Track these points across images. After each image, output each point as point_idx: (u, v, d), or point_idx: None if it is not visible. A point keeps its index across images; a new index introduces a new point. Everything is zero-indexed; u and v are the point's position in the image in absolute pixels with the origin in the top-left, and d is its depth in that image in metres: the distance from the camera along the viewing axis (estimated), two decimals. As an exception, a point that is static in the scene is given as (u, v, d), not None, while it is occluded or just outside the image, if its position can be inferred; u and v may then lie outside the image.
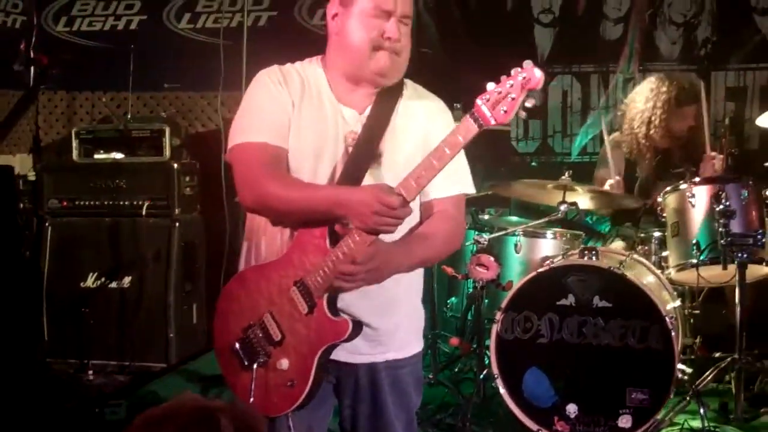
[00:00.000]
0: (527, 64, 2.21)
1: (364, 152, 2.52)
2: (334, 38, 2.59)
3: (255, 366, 2.49)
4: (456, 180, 2.62)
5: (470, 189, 2.68)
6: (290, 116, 2.53)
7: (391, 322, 2.60)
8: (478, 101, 2.23)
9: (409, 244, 2.53)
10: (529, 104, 2.22)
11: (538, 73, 2.19)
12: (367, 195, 2.33)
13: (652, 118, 4.89)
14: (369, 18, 2.49)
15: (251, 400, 2.47)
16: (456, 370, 4.97)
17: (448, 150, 2.29)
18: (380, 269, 2.40)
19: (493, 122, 2.23)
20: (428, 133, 2.56)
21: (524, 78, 2.19)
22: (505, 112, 2.21)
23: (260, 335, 2.49)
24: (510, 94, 2.20)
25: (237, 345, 2.53)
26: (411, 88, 2.66)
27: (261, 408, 2.47)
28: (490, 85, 2.23)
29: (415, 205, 2.52)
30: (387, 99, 2.58)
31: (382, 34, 2.48)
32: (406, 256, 2.50)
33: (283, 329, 2.47)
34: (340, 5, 2.55)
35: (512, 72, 2.21)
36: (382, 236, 2.39)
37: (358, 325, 2.45)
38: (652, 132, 4.89)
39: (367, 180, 2.50)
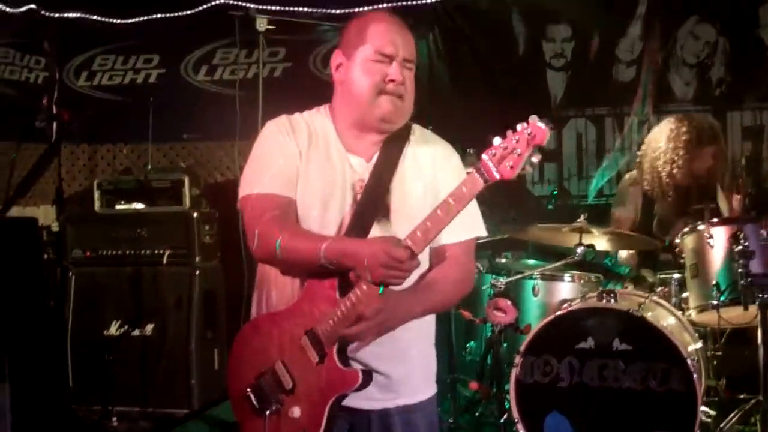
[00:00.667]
0: (533, 119, 2.21)
1: (373, 200, 2.55)
2: (339, 87, 2.63)
3: (267, 413, 2.50)
4: (466, 225, 2.62)
5: (481, 232, 2.70)
6: (298, 166, 2.56)
7: (403, 369, 2.61)
8: (484, 156, 2.24)
9: (419, 291, 2.55)
10: (535, 159, 2.22)
11: (543, 129, 2.19)
12: (375, 248, 2.34)
13: (675, 159, 4.89)
14: (371, 63, 2.53)
15: None
16: (476, 414, 4.94)
17: (454, 203, 2.30)
18: (387, 323, 2.41)
19: (498, 177, 2.23)
20: (436, 178, 2.59)
21: (530, 134, 2.19)
22: (511, 167, 2.21)
23: (272, 383, 2.51)
24: (516, 149, 2.20)
25: (249, 391, 2.55)
26: (418, 132, 2.68)
27: None
28: (496, 140, 2.23)
29: (424, 251, 2.51)
30: (394, 145, 2.61)
31: (385, 78, 2.52)
32: (415, 304, 2.51)
33: (295, 378, 2.48)
34: (344, 55, 2.60)
35: (518, 127, 2.21)
36: None
37: (368, 375, 2.45)
38: (675, 171, 4.89)
39: (375, 228, 2.52)
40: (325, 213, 2.55)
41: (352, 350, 2.46)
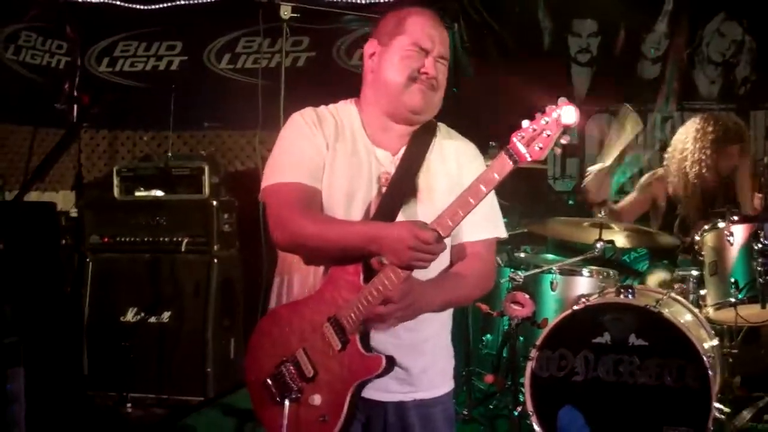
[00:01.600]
0: (562, 101, 2.21)
1: (398, 192, 2.55)
2: (370, 76, 2.63)
3: (287, 401, 2.50)
4: (488, 224, 2.64)
5: (502, 233, 2.69)
6: (324, 157, 2.56)
7: (421, 362, 2.60)
8: (514, 138, 2.23)
9: (441, 282, 2.54)
10: (564, 141, 2.22)
11: (573, 111, 2.19)
12: (402, 230, 2.33)
13: (703, 158, 4.87)
14: (408, 54, 2.55)
15: None
16: (491, 407, 4.94)
17: (484, 187, 2.29)
18: (413, 306, 2.40)
19: (528, 158, 2.23)
20: (462, 176, 2.58)
21: (559, 115, 2.19)
22: (540, 148, 2.21)
23: (293, 371, 2.51)
24: (545, 131, 2.20)
25: (269, 380, 2.55)
26: (444, 130, 2.69)
27: None
28: (525, 122, 2.23)
29: (447, 249, 2.55)
30: (421, 140, 2.62)
31: (419, 69, 2.53)
32: (438, 295, 2.51)
33: (316, 365, 2.47)
34: (379, 44, 2.61)
35: (547, 109, 2.21)
36: (414, 274, 2.40)
37: (391, 361, 2.44)
38: (704, 171, 4.87)
39: (400, 219, 2.51)
40: (350, 205, 2.55)
41: (375, 333, 2.45)
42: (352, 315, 2.41)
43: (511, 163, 2.25)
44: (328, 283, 2.50)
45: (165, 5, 6.39)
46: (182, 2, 6.39)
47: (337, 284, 2.47)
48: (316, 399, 2.47)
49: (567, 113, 2.19)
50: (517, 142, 2.23)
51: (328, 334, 2.45)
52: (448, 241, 2.50)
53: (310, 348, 2.49)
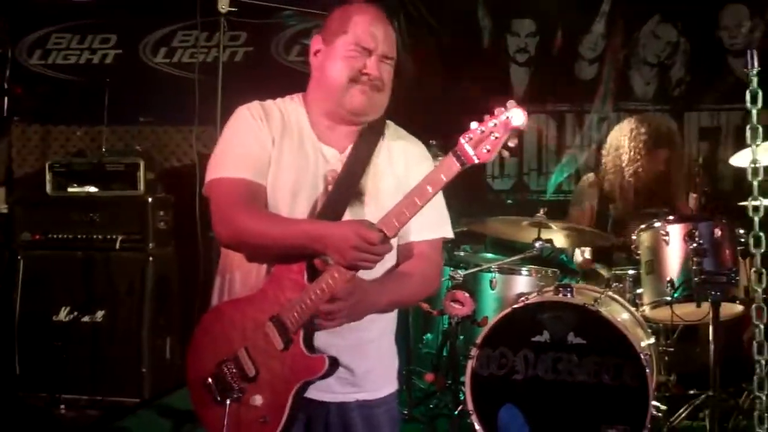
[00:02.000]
0: (511, 104, 2.20)
1: (344, 191, 2.52)
2: (315, 74, 2.60)
3: (228, 401, 2.45)
4: (435, 224, 2.62)
5: (449, 233, 2.68)
6: (270, 152, 2.52)
7: (366, 363, 2.58)
8: (462, 140, 2.22)
9: (387, 282, 2.52)
10: (511, 144, 2.22)
11: (521, 113, 2.19)
12: (347, 230, 2.31)
13: (638, 158, 4.98)
14: (350, 54, 2.51)
15: None
16: (431, 406, 4.94)
17: (430, 188, 2.28)
18: (359, 306, 2.38)
19: (476, 161, 2.22)
20: (409, 177, 2.54)
21: (507, 117, 2.19)
22: (488, 151, 2.20)
23: (234, 371, 2.47)
24: (493, 133, 2.19)
25: (210, 380, 2.50)
26: (393, 129, 2.67)
27: None
28: (474, 124, 2.22)
29: (393, 249, 2.52)
30: (368, 139, 2.59)
31: (361, 70, 2.50)
32: (383, 294, 2.49)
33: (258, 365, 2.44)
34: (323, 42, 2.58)
35: (495, 111, 2.21)
36: (360, 274, 2.37)
37: (334, 362, 2.42)
38: (639, 170, 4.97)
39: (347, 219, 2.49)
40: (295, 202, 2.52)
41: (319, 333, 2.42)
42: (296, 314, 2.38)
43: (458, 164, 2.24)
44: (272, 282, 2.46)
45: (100, -4, 6.27)
46: (118, -6, 6.28)
47: (280, 283, 2.44)
48: (258, 399, 2.43)
49: (515, 116, 2.18)
50: (464, 143, 2.21)
51: (271, 333, 2.42)
52: (394, 241, 2.47)
53: (251, 347, 2.45)
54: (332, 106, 2.56)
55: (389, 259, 2.52)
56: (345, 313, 2.36)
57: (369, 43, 2.51)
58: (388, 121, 2.67)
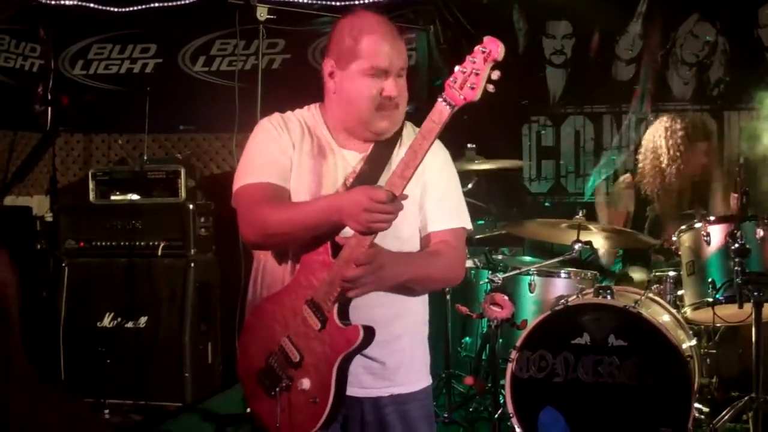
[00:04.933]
0: (486, 38, 2.28)
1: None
2: (333, 96, 2.63)
3: (278, 390, 2.51)
4: (456, 214, 2.68)
5: (468, 224, 2.72)
6: (291, 157, 2.59)
7: (396, 357, 2.61)
8: (447, 84, 2.30)
9: (412, 256, 2.60)
10: (494, 77, 2.28)
11: (497, 45, 2.26)
12: (356, 194, 2.38)
13: (677, 156, 4.95)
14: (368, 78, 2.53)
15: (278, 424, 2.49)
16: (471, 409, 4.94)
17: (426, 139, 2.34)
18: (383, 270, 2.41)
19: (463, 100, 2.29)
20: (425, 170, 2.57)
21: (485, 52, 2.26)
22: (473, 87, 2.27)
23: (281, 360, 2.52)
24: (474, 70, 2.26)
25: (260, 374, 2.56)
26: (410, 128, 2.70)
27: (288, 430, 2.50)
28: (456, 68, 2.30)
29: (415, 237, 2.61)
30: (387, 141, 2.63)
31: (381, 92, 2.53)
32: (407, 265, 2.54)
33: (301, 350, 2.49)
34: (337, 66, 2.59)
35: (474, 50, 2.28)
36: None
37: (369, 331, 2.45)
38: (681, 168, 4.94)
39: None
40: None
41: (352, 302, 2.46)
42: (327, 292, 2.43)
43: (448, 108, 2.31)
44: (302, 269, 2.52)
45: (139, 7, 6.33)
46: (156, 4, 6.33)
47: (310, 267, 2.50)
48: (305, 383, 2.48)
49: (492, 48, 2.26)
50: (450, 87, 2.30)
51: (308, 316, 2.47)
52: (415, 231, 2.58)
53: (293, 334, 2.50)
54: (355, 126, 2.60)
55: (410, 248, 2.59)
56: (370, 279, 2.39)
57: (384, 64, 2.53)
58: (406, 122, 2.70)
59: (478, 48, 2.27)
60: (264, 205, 2.52)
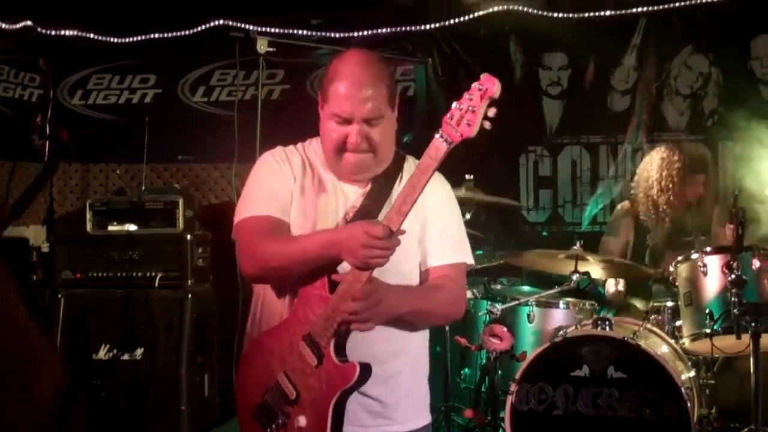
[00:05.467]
0: (484, 76, 2.30)
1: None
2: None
3: (274, 428, 2.50)
4: (456, 249, 2.69)
5: (470, 260, 2.73)
6: (292, 190, 2.61)
7: (395, 395, 2.61)
8: (444, 120, 2.32)
9: (410, 288, 2.60)
10: (491, 114, 2.30)
11: (494, 82, 2.28)
12: (354, 229, 2.39)
13: (670, 186, 4.96)
14: (332, 123, 2.56)
15: None
16: (470, 442, 4.92)
17: (424, 174, 2.35)
18: (380, 306, 2.41)
19: (459, 137, 2.30)
20: (425, 205, 2.60)
21: (482, 89, 2.27)
22: (469, 125, 2.29)
23: (277, 396, 2.51)
24: (471, 107, 2.28)
25: (256, 411, 2.55)
26: (411, 163, 2.71)
27: None
28: (454, 104, 2.32)
29: (416, 272, 2.61)
30: (387, 176, 2.65)
31: (345, 139, 2.55)
32: (405, 297, 2.53)
33: (298, 386, 2.48)
34: (321, 100, 2.62)
35: (471, 86, 2.30)
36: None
37: (366, 369, 2.45)
38: (672, 199, 4.95)
39: None
40: None
41: (351, 337, 2.45)
42: (324, 327, 2.43)
43: (445, 145, 2.32)
44: (299, 303, 2.52)
45: (139, 38, 6.36)
46: (156, 35, 6.37)
47: (307, 301, 2.50)
48: (302, 420, 2.47)
49: (489, 85, 2.28)
50: (447, 123, 2.31)
51: (305, 352, 2.47)
52: (415, 265, 2.59)
53: (290, 370, 2.50)
54: (331, 164, 2.63)
55: (410, 282, 2.59)
56: (367, 314, 2.39)
57: (345, 113, 2.53)
58: (408, 156, 2.72)
59: (475, 85, 2.29)
60: (263, 239, 2.53)
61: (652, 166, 5.09)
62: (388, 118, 2.59)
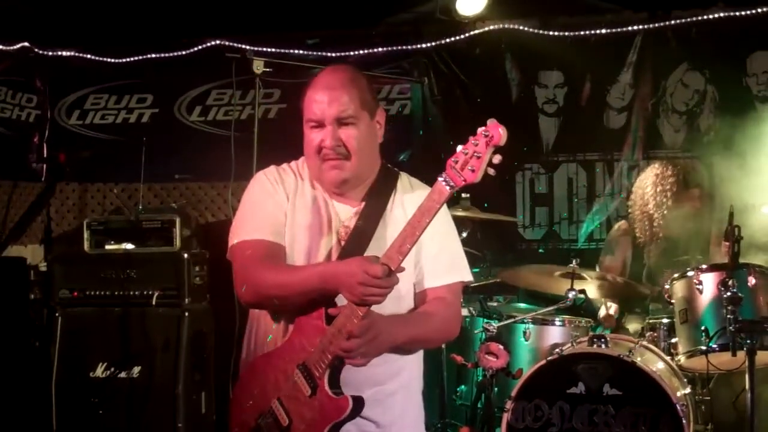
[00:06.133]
0: (490, 122, 2.29)
1: (357, 246, 2.58)
2: None
3: None
4: (453, 269, 2.70)
5: (468, 277, 2.74)
6: (286, 211, 2.63)
7: (390, 415, 2.62)
8: (449, 164, 2.32)
9: (406, 318, 2.60)
10: (495, 161, 2.30)
11: (500, 130, 2.27)
12: (352, 266, 2.39)
13: (664, 202, 4.97)
14: (309, 132, 2.60)
15: None
16: (467, 459, 4.91)
17: (425, 216, 2.35)
18: (377, 341, 2.42)
19: (462, 181, 2.30)
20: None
21: (487, 136, 2.27)
22: (473, 171, 2.28)
23: (271, 422, 2.52)
24: (476, 153, 2.27)
25: None
26: (405, 180, 2.74)
27: None
28: (459, 148, 2.32)
29: (410, 294, 2.62)
30: (380, 194, 2.67)
31: (320, 146, 2.58)
32: (402, 328, 2.54)
33: (291, 414, 2.49)
34: (303, 116, 2.66)
35: (477, 132, 2.29)
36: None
37: (358, 401, 2.46)
38: (666, 215, 4.96)
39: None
40: (310, 258, 2.60)
41: (345, 387, 2.46)
42: (320, 359, 2.44)
43: (447, 189, 2.32)
44: (296, 331, 2.54)
45: (136, 58, 6.40)
46: (153, 55, 6.40)
47: (303, 331, 2.51)
48: None
49: (495, 133, 2.27)
50: (451, 167, 2.31)
51: (299, 380, 2.48)
52: (411, 287, 2.59)
53: (284, 397, 2.51)
54: (319, 179, 2.66)
55: (407, 306, 2.60)
56: (363, 350, 2.40)
57: (316, 115, 2.57)
58: (401, 173, 2.74)
59: (480, 131, 2.28)
60: (259, 266, 2.54)
61: (647, 182, 5.11)
62: (363, 122, 2.61)
